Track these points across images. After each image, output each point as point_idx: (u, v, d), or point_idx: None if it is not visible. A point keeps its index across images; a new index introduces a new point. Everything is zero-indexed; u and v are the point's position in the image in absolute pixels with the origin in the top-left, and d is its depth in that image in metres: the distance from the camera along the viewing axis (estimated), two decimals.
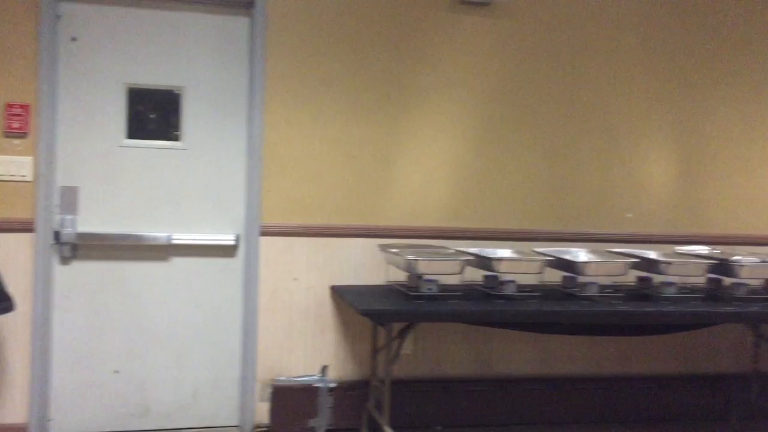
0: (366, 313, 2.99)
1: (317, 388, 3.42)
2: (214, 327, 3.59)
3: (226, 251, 3.58)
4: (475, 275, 3.39)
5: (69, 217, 3.40)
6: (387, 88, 3.60)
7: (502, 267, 3.21)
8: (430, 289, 3.15)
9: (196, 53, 3.52)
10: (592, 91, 3.82)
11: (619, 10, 3.83)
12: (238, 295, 3.61)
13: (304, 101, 3.51)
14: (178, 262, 3.54)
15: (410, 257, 3.11)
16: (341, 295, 3.39)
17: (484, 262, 3.28)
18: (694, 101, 3.94)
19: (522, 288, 3.29)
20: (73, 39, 3.40)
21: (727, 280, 3.48)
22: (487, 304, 3.14)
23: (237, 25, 3.56)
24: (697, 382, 3.96)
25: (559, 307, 3.15)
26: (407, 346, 3.46)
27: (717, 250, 3.71)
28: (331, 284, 3.55)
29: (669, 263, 3.36)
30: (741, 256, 3.52)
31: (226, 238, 3.55)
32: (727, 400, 3.94)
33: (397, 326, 3.17)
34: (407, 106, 3.63)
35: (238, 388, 3.62)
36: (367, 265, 3.58)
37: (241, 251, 3.60)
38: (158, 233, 3.47)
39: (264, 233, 3.48)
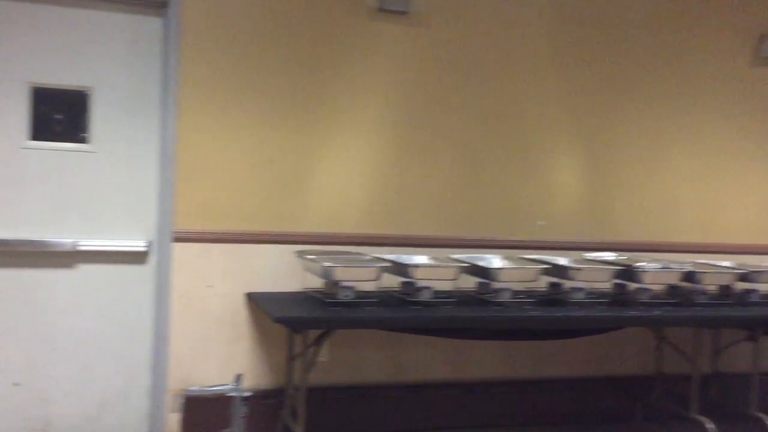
0: (281, 321, 2.96)
1: (231, 397, 3.34)
2: (123, 336, 3.46)
3: (136, 258, 3.47)
4: (392, 282, 3.40)
5: None
6: (305, 94, 3.58)
7: (418, 273, 3.24)
8: (346, 295, 3.15)
9: (106, 53, 3.40)
10: (506, 102, 3.92)
11: (533, 23, 3.94)
12: (149, 303, 3.50)
13: (220, 105, 3.45)
14: (85, 270, 3.40)
15: (327, 264, 3.10)
16: (257, 302, 3.34)
17: (400, 268, 3.30)
18: (604, 114, 4.09)
19: (438, 294, 3.32)
20: None
21: (632, 286, 3.63)
22: (403, 310, 3.16)
23: (150, 25, 3.46)
24: (605, 383, 4.11)
25: (473, 313, 3.21)
26: (323, 354, 3.44)
27: (623, 257, 3.87)
28: (247, 291, 3.49)
29: (578, 269, 3.48)
30: (645, 263, 3.68)
31: (137, 245, 3.44)
32: (632, 401, 4.11)
33: (313, 333, 3.15)
34: (325, 113, 3.62)
35: (147, 399, 3.50)
36: (283, 271, 3.54)
37: (152, 258, 3.49)
38: (64, 239, 3.33)
39: (177, 239, 3.39)
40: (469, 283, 3.53)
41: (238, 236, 3.48)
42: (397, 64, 3.73)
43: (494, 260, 3.55)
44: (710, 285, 3.74)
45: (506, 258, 3.61)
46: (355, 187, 3.68)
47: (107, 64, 3.41)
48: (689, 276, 3.65)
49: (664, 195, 4.22)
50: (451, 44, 3.82)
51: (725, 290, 3.79)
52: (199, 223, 3.42)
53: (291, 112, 3.57)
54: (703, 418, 3.67)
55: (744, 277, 3.77)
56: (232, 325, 3.49)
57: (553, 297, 3.59)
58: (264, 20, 3.51)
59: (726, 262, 3.99)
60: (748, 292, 3.80)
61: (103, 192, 3.42)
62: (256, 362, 3.53)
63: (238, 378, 3.39)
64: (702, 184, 4.28)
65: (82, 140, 3.40)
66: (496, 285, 3.38)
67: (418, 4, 3.72)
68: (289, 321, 3.00)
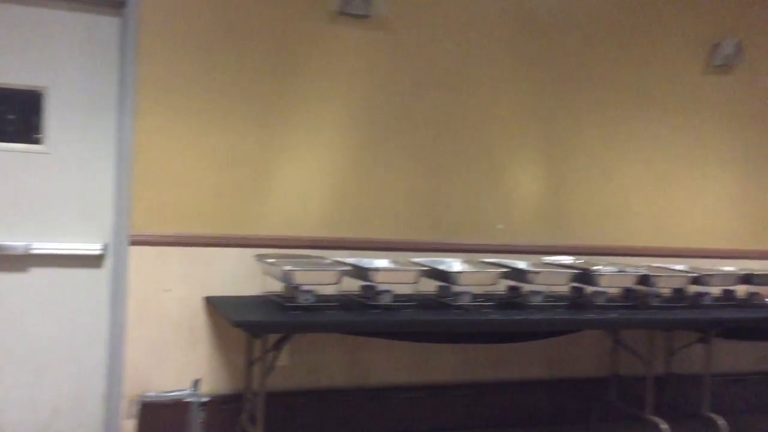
0: (240, 325, 2.93)
1: (188, 402, 3.30)
2: (77, 341, 3.39)
3: (91, 261, 3.40)
4: (353, 285, 3.40)
5: None
6: (265, 96, 3.56)
7: (379, 277, 3.24)
8: (306, 299, 3.13)
9: (61, 53, 3.33)
10: (467, 106, 3.95)
11: (494, 29, 3.98)
12: (104, 308, 3.43)
13: (178, 107, 3.40)
14: (39, 273, 3.32)
15: (287, 267, 3.08)
16: (215, 306, 3.30)
17: (361, 272, 3.30)
18: (563, 120, 4.16)
19: (398, 297, 3.33)
20: None
21: (589, 289, 3.69)
22: (363, 314, 3.16)
23: (107, 25, 3.40)
24: (562, 385, 4.17)
25: (433, 317, 3.22)
26: (283, 358, 3.42)
27: (580, 260, 3.93)
28: (206, 295, 3.45)
29: (536, 273, 3.52)
30: (601, 266, 3.74)
31: (92, 248, 3.37)
32: (589, 402, 4.17)
33: (272, 338, 3.12)
34: (286, 116, 3.60)
35: (102, 405, 3.44)
36: (243, 275, 3.51)
37: (108, 261, 3.43)
38: (16, 242, 3.25)
39: (134, 242, 3.33)
40: (430, 286, 3.55)
41: (196, 239, 3.44)
42: (358, 67, 3.73)
43: (454, 264, 3.57)
44: (664, 288, 3.83)
45: (466, 262, 3.63)
46: (316, 190, 3.67)
47: (62, 63, 3.34)
48: (644, 279, 3.73)
49: (620, 200, 4.30)
50: (412, 48, 3.83)
51: (678, 293, 3.88)
52: (156, 226, 3.37)
53: (251, 114, 3.54)
54: (657, 419, 3.74)
55: (697, 281, 3.86)
56: (189, 329, 3.44)
57: (512, 300, 3.63)
58: (224, 21, 3.48)
59: (679, 265, 4.08)
60: (701, 294, 3.90)
61: (57, 194, 3.35)
62: (215, 367, 3.49)
63: (196, 383, 3.35)
64: (657, 189, 4.38)
65: (36, 141, 3.33)
66: (456, 288, 3.40)
67: (379, 9, 3.73)
68: (248, 325, 2.97)
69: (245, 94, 3.52)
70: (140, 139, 3.34)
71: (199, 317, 3.46)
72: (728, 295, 4.00)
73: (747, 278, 3.99)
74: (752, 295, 4.05)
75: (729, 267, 4.17)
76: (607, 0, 4.23)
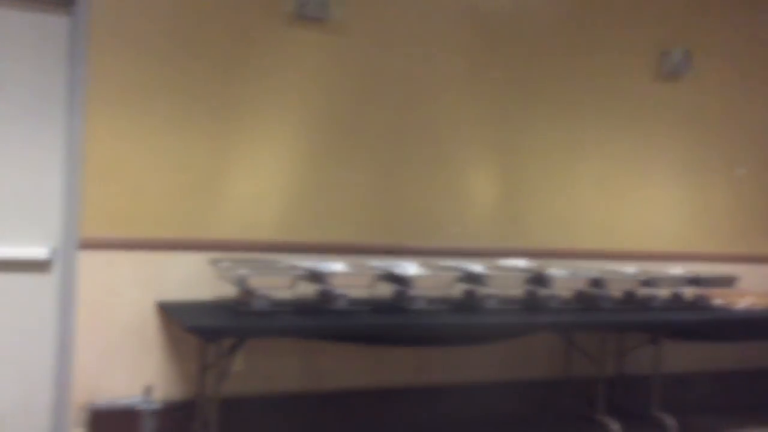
0: (193, 330, 2.89)
1: (139, 410, 3.24)
2: (23, 348, 3.29)
3: (38, 266, 3.31)
4: (308, 289, 3.38)
5: None
6: (219, 97, 3.52)
7: (334, 281, 3.24)
8: (261, 304, 3.10)
9: (9, 52, 3.24)
10: (422, 111, 3.96)
11: (451, 34, 4.01)
12: (52, 314, 3.34)
13: (130, 107, 3.34)
14: None
15: (241, 271, 3.05)
16: (168, 311, 3.25)
17: (316, 276, 3.28)
18: (517, 125, 4.20)
19: (354, 301, 3.32)
20: None
21: (543, 292, 3.73)
22: (318, 318, 3.14)
23: (56, 24, 3.32)
24: (517, 387, 4.21)
25: (389, 320, 3.22)
26: (237, 363, 3.38)
27: (534, 263, 3.98)
28: (158, 300, 3.39)
29: (491, 276, 3.55)
30: (554, 269, 3.80)
31: (39, 252, 3.28)
32: (542, 403, 4.22)
33: (226, 343, 3.08)
34: (241, 118, 3.56)
35: (50, 413, 3.35)
36: (196, 280, 3.46)
37: (57, 266, 3.35)
38: None
39: (84, 246, 3.26)
40: (386, 290, 3.55)
41: (149, 243, 3.38)
42: (313, 70, 3.71)
43: (410, 268, 3.58)
44: (615, 291, 3.90)
45: (422, 265, 3.64)
46: (272, 193, 3.64)
47: (10, 63, 3.24)
48: (596, 282, 3.80)
49: (573, 204, 4.37)
50: (368, 52, 3.83)
51: (629, 296, 3.96)
52: (107, 230, 3.30)
53: (205, 115, 3.50)
54: (608, 419, 3.81)
55: (647, 283, 3.95)
56: (141, 335, 3.38)
57: (468, 303, 3.65)
58: (177, 21, 3.43)
59: (630, 268, 4.17)
60: (651, 297, 3.98)
61: (2, 196, 3.25)
62: (167, 373, 3.43)
63: (148, 390, 3.29)
64: (608, 193, 4.46)
65: None
66: (412, 292, 3.41)
67: (336, 12, 3.72)
68: (201, 330, 2.94)
69: (199, 95, 3.48)
70: (90, 140, 3.27)
71: (151, 323, 3.39)
72: (677, 297, 4.10)
73: (695, 281, 4.10)
74: (699, 297, 4.16)
75: (677, 269, 4.28)
76: (560, 9, 4.30)
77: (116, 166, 3.32)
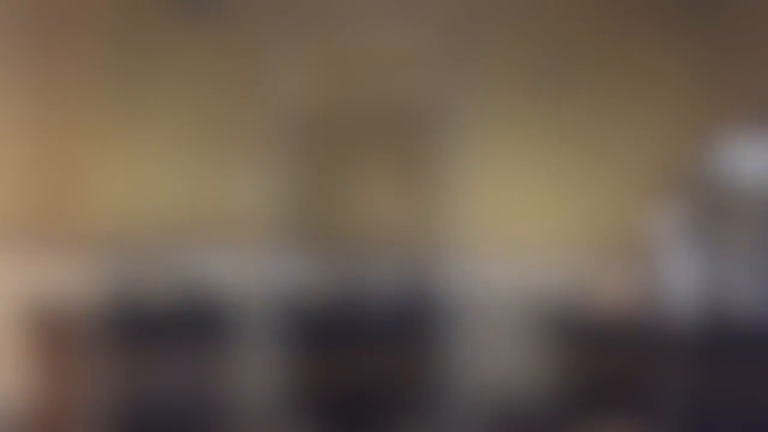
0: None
1: None
2: None
3: None
4: None
5: None
6: (101, 89, 3.33)
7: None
8: None
9: None
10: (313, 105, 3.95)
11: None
12: None
13: None
14: None
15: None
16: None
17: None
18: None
19: None
20: None
21: None
22: None
23: None
24: None
25: None
26: None
27: None
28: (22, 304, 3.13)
29: None
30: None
31: None
32: None
33: None
34: (122, 112, 3.39)
35: None
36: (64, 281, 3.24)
37: None
38: None
39: None
40: None
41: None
42: (201, 62, 3.61)
43: None
44: None
45: None
46: (154, 193, 3.49)
47: None
48: None
49: None
50: (260, 45, 3.77)
51: None
52: None
53: (80, 107, 3.30)
54: None
55: None
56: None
57: None
58: (52, 7, 3.22)
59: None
60: None
61: None
62: None
63: None
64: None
65: None
66: None
67: (224, 4, 3.63)
68: None
69: (75, 83, 3.28)
70: None
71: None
72: None
73: None
74: None
75: None
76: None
77: None
